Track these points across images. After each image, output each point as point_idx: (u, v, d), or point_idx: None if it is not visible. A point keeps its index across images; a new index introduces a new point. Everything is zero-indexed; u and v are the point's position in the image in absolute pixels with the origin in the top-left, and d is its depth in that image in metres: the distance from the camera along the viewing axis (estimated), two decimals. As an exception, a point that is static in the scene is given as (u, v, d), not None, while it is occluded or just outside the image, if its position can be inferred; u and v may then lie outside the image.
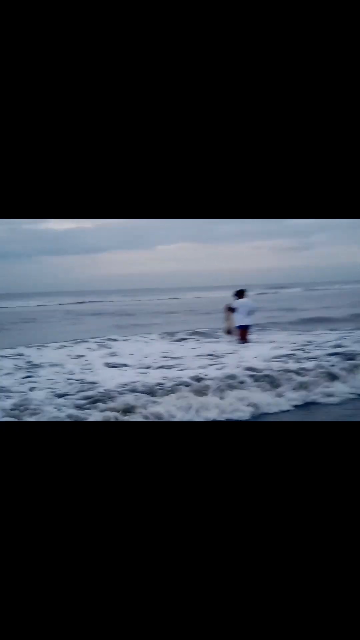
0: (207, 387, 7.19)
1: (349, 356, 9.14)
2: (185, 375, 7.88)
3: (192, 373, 7.97)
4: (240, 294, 12.46)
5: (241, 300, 12.30)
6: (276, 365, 8.45)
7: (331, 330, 14.34)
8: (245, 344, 11.85)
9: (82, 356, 10.84)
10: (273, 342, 12.10)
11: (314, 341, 11.86)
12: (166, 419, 6.29)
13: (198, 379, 7.52)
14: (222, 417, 6.54)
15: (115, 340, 13.20)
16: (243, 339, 12.13)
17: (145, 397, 6.76)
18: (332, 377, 7.99)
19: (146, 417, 6.26)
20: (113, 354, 11.10)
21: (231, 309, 12.39)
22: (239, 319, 12.19)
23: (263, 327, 15.23)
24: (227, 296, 13.58)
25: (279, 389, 7.44)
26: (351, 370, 8.32)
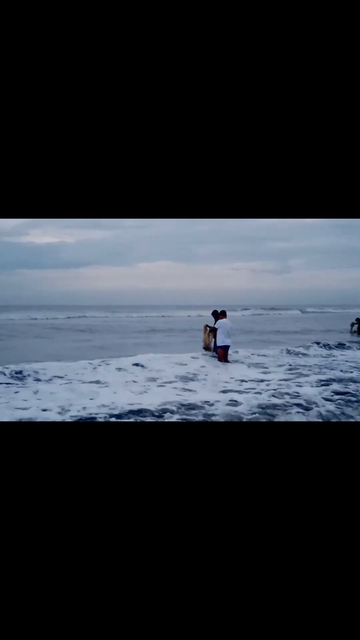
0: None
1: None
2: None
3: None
4: (220, 314, 12.52)
5: (222, 320, 12.34)
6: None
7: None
8: (226, 364, 11.92)
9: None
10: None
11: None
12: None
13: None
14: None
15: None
16: (223, 358, 12.12)
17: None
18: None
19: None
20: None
21: (213, 330, 12.53)
22: (220, 339, 12.19)
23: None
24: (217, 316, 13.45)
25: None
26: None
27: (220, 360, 12.16)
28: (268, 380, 9.78)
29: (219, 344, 12.24)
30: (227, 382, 9.67)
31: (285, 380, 9.85)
